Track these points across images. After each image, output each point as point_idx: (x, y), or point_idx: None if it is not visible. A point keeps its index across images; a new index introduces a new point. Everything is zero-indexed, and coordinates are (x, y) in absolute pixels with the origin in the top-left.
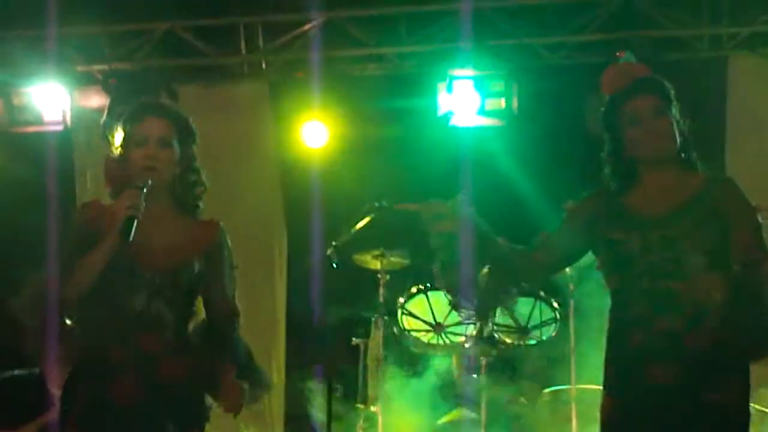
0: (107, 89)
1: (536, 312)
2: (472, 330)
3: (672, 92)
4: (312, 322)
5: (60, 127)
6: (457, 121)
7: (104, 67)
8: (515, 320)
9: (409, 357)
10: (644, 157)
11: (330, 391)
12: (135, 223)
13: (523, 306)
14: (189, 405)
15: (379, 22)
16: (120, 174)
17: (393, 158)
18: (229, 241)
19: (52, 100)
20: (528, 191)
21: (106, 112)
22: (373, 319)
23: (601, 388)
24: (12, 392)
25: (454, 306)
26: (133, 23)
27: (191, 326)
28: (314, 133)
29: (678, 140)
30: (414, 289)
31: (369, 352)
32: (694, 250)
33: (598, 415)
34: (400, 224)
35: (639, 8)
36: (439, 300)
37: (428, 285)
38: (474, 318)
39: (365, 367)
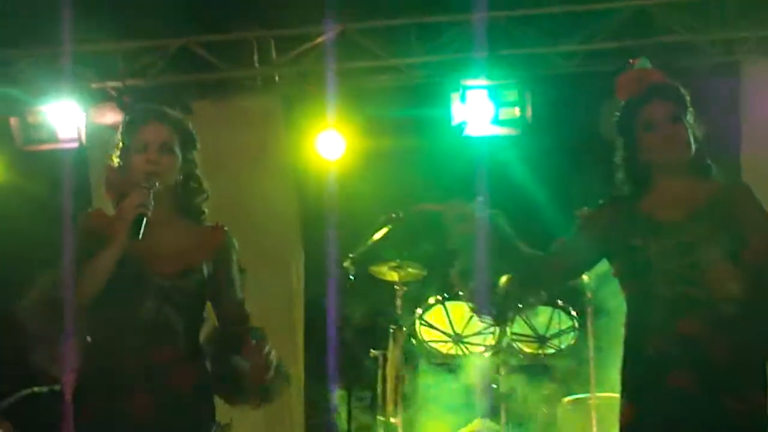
0: (121, 106)
1: (554, 320)
2: (490, 340)
3: (687, 98)
4: (330, 333)
5: (75, 145)
6: (471, 131)
7: (118, 83)
8: (534, 329)
9: (428, 368)
10: (659, 163)
11: (350, 402)
12: (144, 222)
13: (542, 314)
14: (200, 415)
15: (391, 33)
16: (121, 182)
17: (408, 168)
18: (236, 245)
19: (66, 117)
20: (543, 200)
21: (120, 128)
22: (391, 331)
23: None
24: (32, 410)
25: (475, 311)
26: (147, 39)
27: (202, 334)
28: (330, 144)
29: (693, 146)
30: (432, 300)
31: (387, 364)
32: (711, 256)
33: (617, 422)
34: (417, 234)
35: (651, 15)
36: (458, 310)
37: (446, 295)
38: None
39: (384, 378)
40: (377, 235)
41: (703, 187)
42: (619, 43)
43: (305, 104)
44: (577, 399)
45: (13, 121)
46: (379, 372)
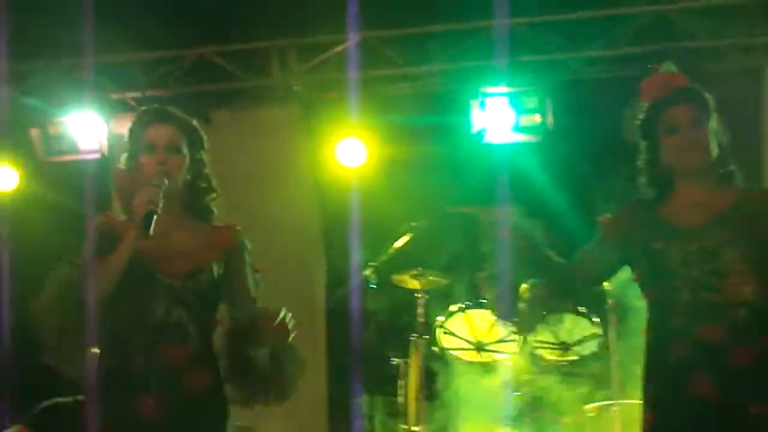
0: None
1: (577, 328)
2: (513, 347)
3: (711, 103)
4: (352, 341)
5: (96, 155)
6: (491, 138)
7: (138, 94)
8: (556, 336)
9: (450, 376)
10: (680, 166)
11: (373, 410)
12: (154, 219)
13: (564, 322)
14: (212, 415)
15: (411, 41)
16: (130, 185)
17: (428, 176)
18: (248, 244)
19: (87, 128)
20: (564, 206)
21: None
22: (412, 339)
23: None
24: (55, 420)
25: (500, 317)
26: (166, 50)
27: (215, 335)
28: (351, 151)
29: (714, 151)
30: (453, 308)
31: (409, 372)
32: (733, 262)
33: (639, 429)
34: (438, 242)
35: (672, 20)
36: (479, 318)
37: (468, 303)
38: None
39: (406, 387)
40: (398, 243)
41: (725, 192)
42: (640, 49)
43: (325, 113)
44: (600, 406)
45: (35, 132)
46: (401, 380)
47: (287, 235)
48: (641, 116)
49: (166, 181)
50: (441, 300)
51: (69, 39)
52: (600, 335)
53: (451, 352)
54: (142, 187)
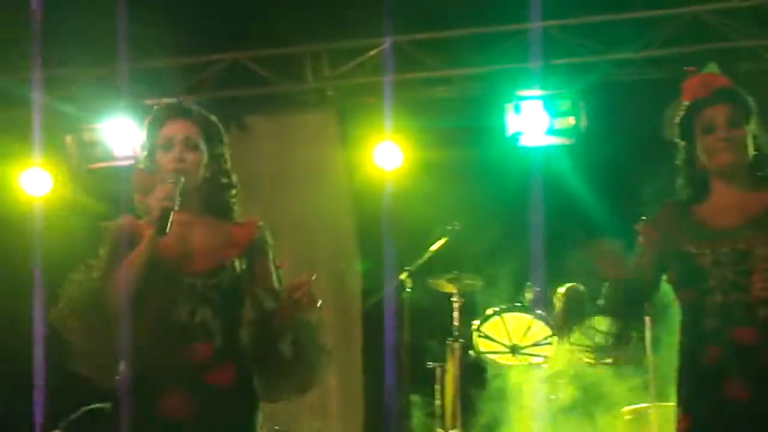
0: None
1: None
2: (549, 350)
3: (752, 105)
4: (387, 345)
5: (131, 162)
6: (525, 141)
7: (172, 100)
8: (592, 339)
9: (487, 379)
10: (714, 166)
11: (409, 414)
12: (170, 216)
13: (600, 324)
14: (240, 412)
15: (445, 44)
16: (149, 184)
17: (462, 180)
18: (270, 239)
19: (122, 134)
20: (598, 209)
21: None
22: (448, 343)
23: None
24: (94, 426)
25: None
26: (200, 56)
27: (243, 331)
28: (387, 155)
29: (751, 152)
30: (489, 311)
31: (445, 376)
32: (765, 264)
33: None
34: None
35: (705, 21)
36: (515, 321)
37: (503, 307)
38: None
39: (442, 390)
40: (434, 247)
41: (761, 194)
42: (674, 51)
43: (359, 117)
44: (636, 409)
45: (69, 139)
46: (438, 384)
47: (322, 239)
48: (680, 116)
49: (183, 179)
50: (477, 303)
51: (103, 46)
52: (636, 337)
53: (487, 355)
54: (158, 185)
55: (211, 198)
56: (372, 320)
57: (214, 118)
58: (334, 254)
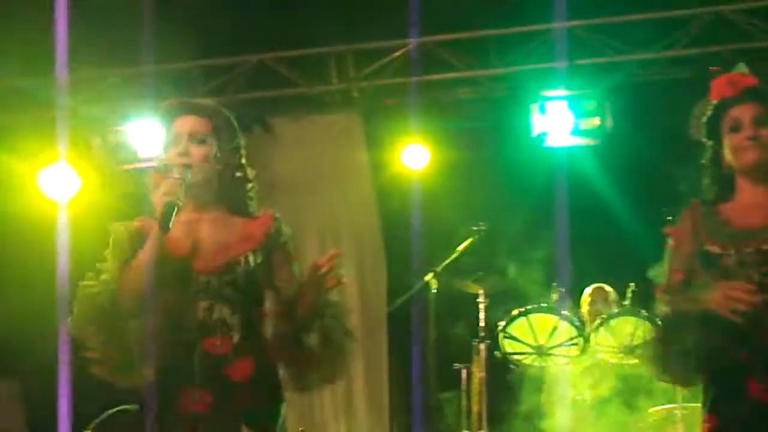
0: None
1: (639, 331)
2: (574, 351)
3: None
4: (413, 346)
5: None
6: (551, 142)
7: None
8: (618, 339)
9: (512, 380)
10: (739, 165)
11: (435, 416)
12: (174, 211)
13: (626, 325)
14: (260, 406)
15: (470, 45)
16: (162, 181)
17: (488, 180)
18: (287, 230)
19: (147, 136)
20: (624, 210)
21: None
22: (474, 344)
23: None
24: (122, 427)
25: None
26: (225, 57)
27: (266, 325)
28: (413, 156)
29: None
30: (515, 312)
31: (471, 377)
32: None
33: None
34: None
35: (730, 21)
36: (541, 322)
37: (529, 308)
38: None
39: (468, 392)
40: (460, 248)
41: None
42: (699, 50)
43: (385, 117)
44: (662, 410)
45: (95, 140)
46: (463, 386)
47: (347, 240)
48: (707, 114)
49: (188, 175)
50: (502, 304)
51: (129, 47)
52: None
53: (513, 356)
54: (162, 181)
55: (224, 192)
56: (397, 321)
57: (226, 111)
58: (360, 256)
